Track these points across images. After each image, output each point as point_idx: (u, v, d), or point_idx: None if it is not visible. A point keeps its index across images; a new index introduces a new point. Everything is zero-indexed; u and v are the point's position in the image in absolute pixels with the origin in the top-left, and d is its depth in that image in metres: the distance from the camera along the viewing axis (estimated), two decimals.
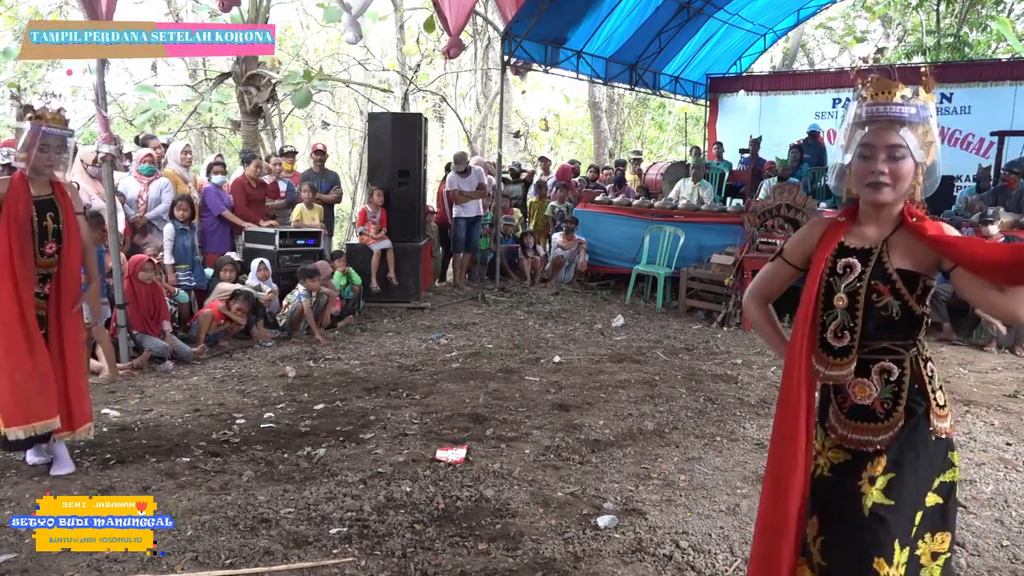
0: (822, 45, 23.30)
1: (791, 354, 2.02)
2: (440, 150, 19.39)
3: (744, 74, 15.12)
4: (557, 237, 9.95)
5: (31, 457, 3.88)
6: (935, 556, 1.96)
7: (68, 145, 3.79)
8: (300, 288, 7.05)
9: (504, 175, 10.75)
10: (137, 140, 8.71)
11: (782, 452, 2.01)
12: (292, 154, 9.60)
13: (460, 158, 9.62)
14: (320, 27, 17.24)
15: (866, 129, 1.90)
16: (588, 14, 10.66)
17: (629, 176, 12.34)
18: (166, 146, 7.94)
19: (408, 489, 3.66)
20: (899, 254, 1.94)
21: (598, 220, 9.85)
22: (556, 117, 23.33)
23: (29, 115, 3.62)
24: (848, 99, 14.18)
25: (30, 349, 3.62)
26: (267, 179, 8.42)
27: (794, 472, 1.97)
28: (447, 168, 10.16)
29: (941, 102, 12.82)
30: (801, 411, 1.98)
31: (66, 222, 3.79)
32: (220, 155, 9.25)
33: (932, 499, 1.95)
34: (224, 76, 12.74)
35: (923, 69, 1.95)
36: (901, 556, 1.91)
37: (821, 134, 12.99)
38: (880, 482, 1.93)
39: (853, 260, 1.97)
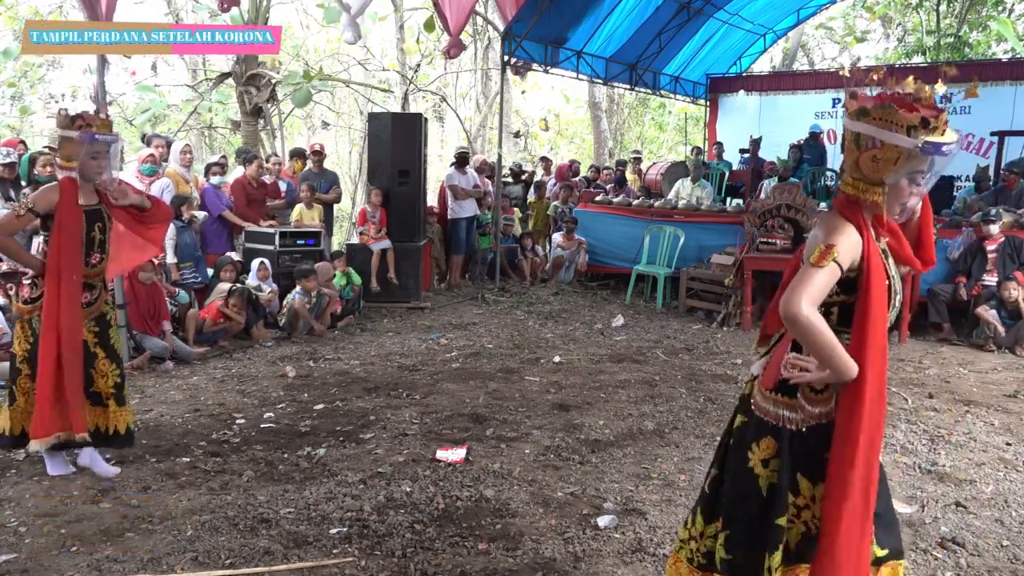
0: (822, 45, 23.31)
1: (879, 355, 2.01)
2: (440, 150, 19.39)
3: (744, 74, 15.11)
4: (557, 237, 9.95)
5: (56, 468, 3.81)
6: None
7: (115, 151, 3.75)
8: (297, 288, 7.05)
9: (504, 176, 10.76)
10: (143, 139, 8.73)
11: (876, 442, 2.04)
12: (302, 155, 9.55)
13: (462, 154, 9.70)
14: (320, 27, 17.23)
15: (929, 159, 1.96)
16: (588, 14, 10.66)
17: (629, 176, 12.34)
18: (170, 144, 7.94)
19: (408, 489, 3.66)
20: None
21: (598, 220, 9.85)
22: (556, 117, 23.32)
23: (78, 123, 3.57)
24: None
25: (73, 364, 3.62)
26: (267, 179, 8.42)
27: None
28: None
29: (941, 102, 12.80)
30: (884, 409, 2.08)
31: (113, 231, 3.80)
32: (224, 156, 9.25)
33: None
34: (224, 76, 12.75)
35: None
36: None
37: (822, 134, 12.99)
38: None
39: (891, 261, 2.11)
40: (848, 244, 1.99)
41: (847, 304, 2.07)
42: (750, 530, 2.14)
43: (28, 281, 3.75)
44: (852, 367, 1.98)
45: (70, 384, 3.60)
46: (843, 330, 2.05)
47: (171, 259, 6.86)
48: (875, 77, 2.06)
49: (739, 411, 2.25)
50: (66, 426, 3.62)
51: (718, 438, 4.46)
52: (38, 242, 6.43)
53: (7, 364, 5.40)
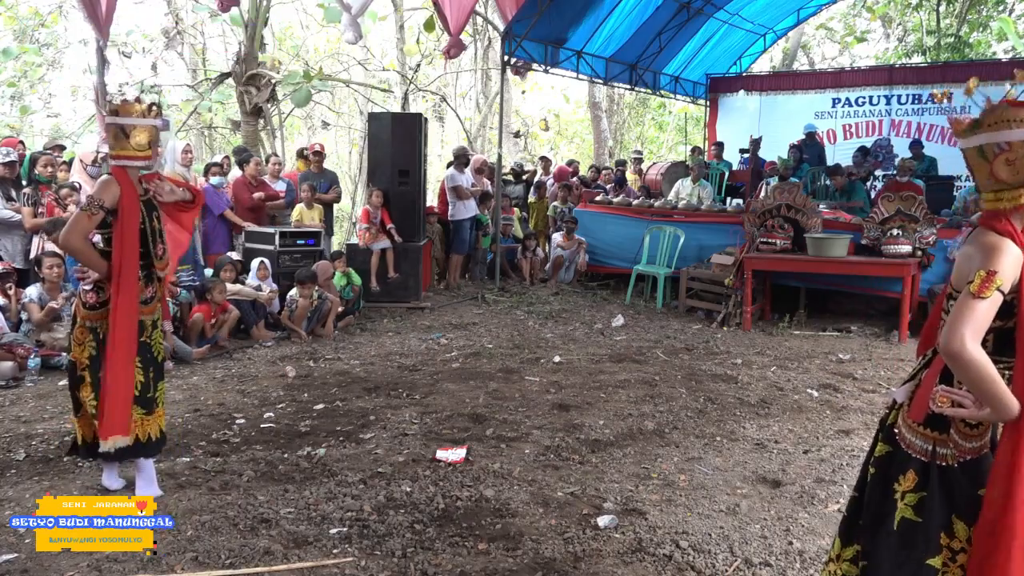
0: (822, 45, 23.31)
1: None
2: (440, 150, 19.38)
3: (744, 74, 15.12)
4: (557, 237, 9.95)
5: (113, 483, 3.67)
6: None
7: (163, 139, 3.58)
8: (294, 291, 7.05)
9: (505, 175, 10.76)
10: None
11: None
12: (312, 155, 9.52)
13: (460, 153, 9.70)
14: (320, 27, 17.24)
15: None
16: (588, 14, 10.66)
17: (630, 176, 12.34)
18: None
19: (408, 489, 3.66)
20: None
21: (598, 220, 9.85)
22: (556, 117, 23.32)
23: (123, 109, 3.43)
24: (847, 99, 14.09)
25: (128, 364, 3.45)
26: (267, 180, 8.43)
27: None
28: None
29: (941, 99, 12.83)
30: None
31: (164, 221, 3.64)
32: (227, 156, 9.26)
33: None
34: (224, 76, 12.75)
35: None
36: None
37: (819, 133, 12.99)
38: None
39: None
40: (1009, 265, 1.84)
41: (1004, 330, 1.91)
42: (892, 565, 2.02)
43: (89, 286, 3.53)
44: (1015, 406, 1.82)
45: (124, 384, 3.41)
46: (1000, 359, 1.90)
47: None
48: (971, 85, 1.99)
49: (882, 440, 2.12)
50: (120, 429, 3.42)
51: (718, 438, 4.49)
52: (38, 242, 6.48)
53: (8, 364, 5.44)
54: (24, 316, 6.06)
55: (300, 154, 9.58)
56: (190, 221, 4.00)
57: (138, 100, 3.51)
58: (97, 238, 3.55)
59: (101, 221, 3.43)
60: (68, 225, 3.44)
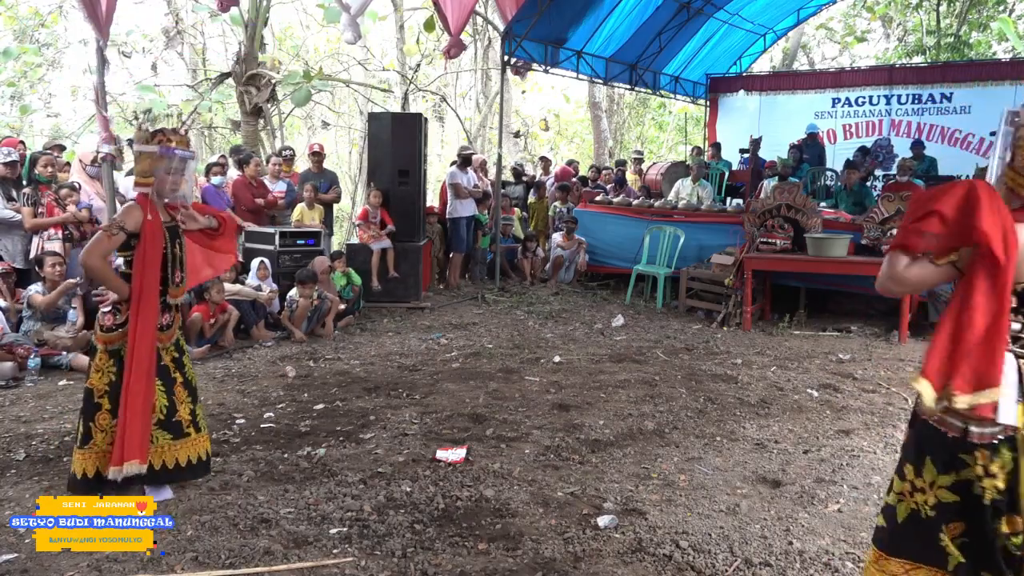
0: (822, 45, 23.31)
1: None
2: (440, 150, 19.38)
3: (744, 74, 15.13)
4: (557, 237, 9.95)
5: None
6: None
7: (190, 168, 3.58)
8: (294, 291, 7.05)
9: (505, 172, 10.77)
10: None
11: None
12: (291, 158, 9.55)
13: (463, 152, 9.72)
14: (320, 27, 17.23)
15: None
16: (588, 14, 10.67)
17: (630, 176, 12.35)
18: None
19: (408, 489, 3.67)
20: None
21: (598, 220, 9.85)
22: (556, 117, 23.31)
23: (157, 137, 3.45)
24: (847, 99, 14.15)
25: (148, 391, 3.44)
26: (267, 180, 8.43)
27: None
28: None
29: (941, 102, 12.85)
30: None
31: (187, 249, 3.64)
32: (224, 156, 9.25)
33: None
34: (224, 76, 12.74)
35: None
36: None
37: (820, 134, 12.99)
38: None
39: None
40: None
41: None
42: None
43: (108, 308, 3.51)
44: None
45: (143, 408, 3.37)
46: None
47: None
48: None
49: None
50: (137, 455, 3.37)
51: (718, 438, 4.48)
52: (38, 242, 6.47)
53: (8, 364, 5.44)
54: (26, 314, 6.06)
55: (279, 154, 9.54)
56: (227, 245, 4.00)
57: (142, 127, 3.55)
58: (120, 261, 3.54)
59: (124, 244, 3.44)
60: (88, 245, 3.46)
